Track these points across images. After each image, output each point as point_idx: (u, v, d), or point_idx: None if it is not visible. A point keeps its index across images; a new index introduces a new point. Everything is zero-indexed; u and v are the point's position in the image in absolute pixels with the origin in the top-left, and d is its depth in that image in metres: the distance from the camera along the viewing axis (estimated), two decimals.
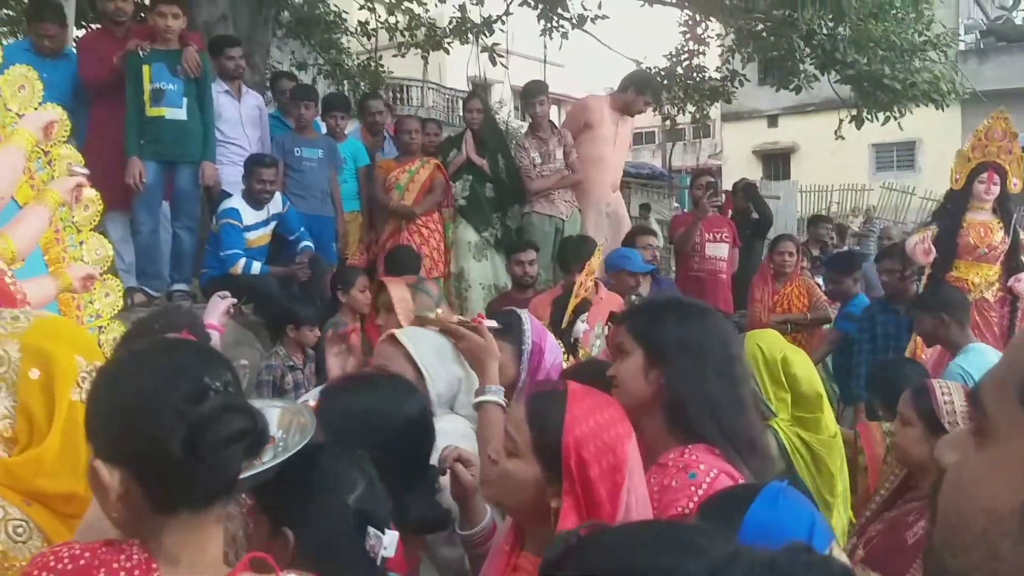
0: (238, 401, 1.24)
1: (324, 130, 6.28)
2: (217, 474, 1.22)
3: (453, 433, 2.09)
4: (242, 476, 1.39)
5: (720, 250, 6.61)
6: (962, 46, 20.95)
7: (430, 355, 2.28)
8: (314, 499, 1.53)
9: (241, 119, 5.80)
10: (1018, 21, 22.43)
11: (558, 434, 1.52)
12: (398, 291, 3.34)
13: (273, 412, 1.62)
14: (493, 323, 2.37)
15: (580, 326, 4.50)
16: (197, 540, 1.24)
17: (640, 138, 29.90)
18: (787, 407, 3.02)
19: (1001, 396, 0.67)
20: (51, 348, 1.66)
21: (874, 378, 4.04)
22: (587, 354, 4.58)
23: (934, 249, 4.86)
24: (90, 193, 3.44)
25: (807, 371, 3.06)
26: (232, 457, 1.22)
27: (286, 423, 1.61)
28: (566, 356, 4.30)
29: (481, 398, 2.20)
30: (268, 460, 1.48)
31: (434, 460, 1.93)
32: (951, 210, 5.04)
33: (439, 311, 2.51)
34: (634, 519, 1.51)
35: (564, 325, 4.44)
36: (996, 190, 4.88)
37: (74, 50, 5.59)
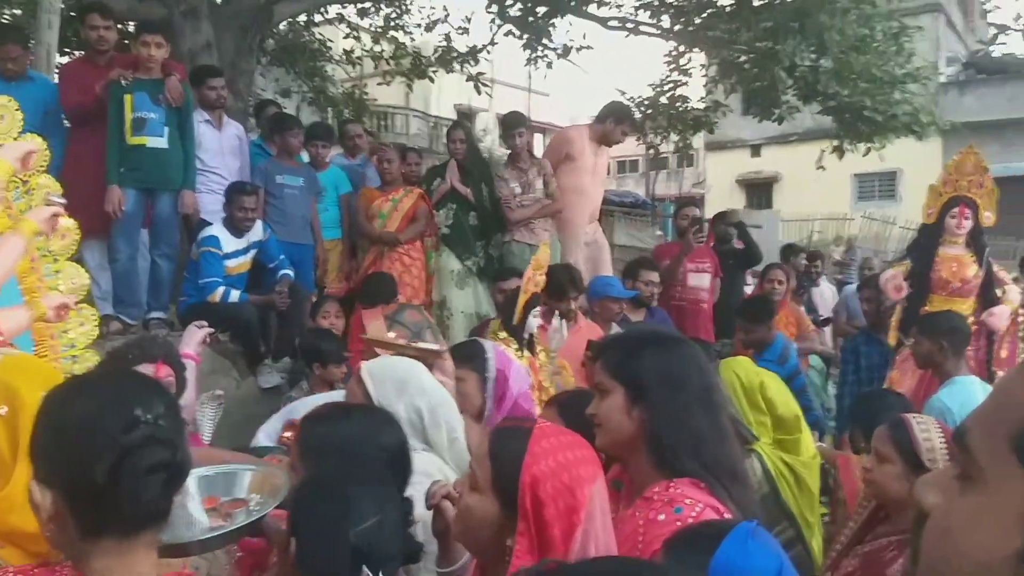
0: (163, 434, 1.28)
1: (306, 158, 6.28)
2: (136, 502, 1.25)
3: (427, 472, 2.06)
4: (213, 535, 1.50)
5: (702, 280, 6.63)
6: (943, 78, 21.28)
7: (389, 391, 2.22)
8: (319, 524, 1.56)
9: (222, 148, 5.79)
10: (996, 55, 22.80)
11: (517, 471, 1.50)
12: (373, 324, 3.33)
13: (246, 475, 1.71)
14: (433, 345, 2.40)
15: (533, 321, 4.51)
16: (124, 565, 1.28)
17: (624, 166, 30.11)
18: (768, 431, 3.05)
19: (991, 441, 0.64)
20: (17, 384, 1.68)
21: (856, 409, 4.00)
22: (546, 350, 4.58)
23: (905, 285, 4.87)
24: (67, 222, 3.40)
25: (783, 395, 3.10)
26: (148, 487, 1.25)
27: (258, 486, 1.67)
28: (521, 353, 4.32)
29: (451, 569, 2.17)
30: (240, 521, 1.54)
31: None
32: (923, 245, 5.07)
33: (391, 335, 2.51)
34: None
35: (516, 321, 4.46)
36: (968, 224, 4.89)
37: (38, 73, 5.56)
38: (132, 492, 1.23)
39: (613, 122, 6.52)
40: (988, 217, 4.97)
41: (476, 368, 2.62)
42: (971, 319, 4.85)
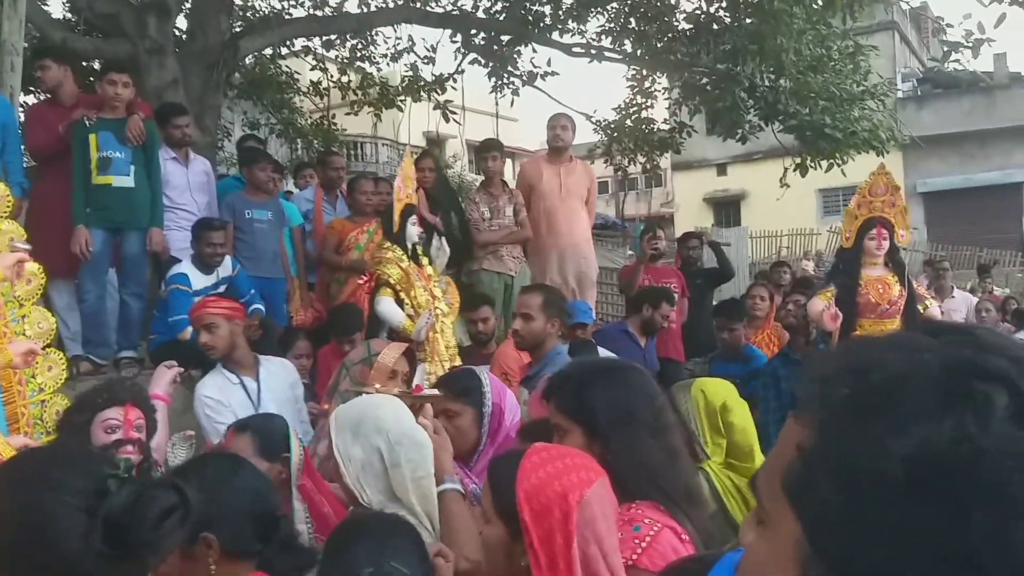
0: (150, 481, 1.24)
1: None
2: (151, 554, 1.15)
3: None
4: None
5: None
6: (900, 94, 21.67)
7: (346, 435, 2.15)
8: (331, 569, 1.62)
9: (189, 185, 5.77)
10: (949, 69, 23.29)
11: (513, 491, 1.56)
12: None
13: None
14: (434, 391, 2.36)
15: (412, 229, 4.62)
16: None
17: None
18: (722, 451, 3.07)
19: (770, 484, 0.69)
20: None
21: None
22: (432, 264, 4.80)
23: (840, 313, 4.76)
24: (32, 267, 3.40)
25: (744, 422, 3.12)
26: (167, 533, 1.16)
27: None
28: (408, 263, 4.41)
29: (439, 488, 2.17)
30: None
31: None
32: (845, 269, 5.04)
33: (376, 386, 2.47)
34: (599, 570, 1.52)
35: (396, 230, 4.52)
36: (887, 245, 4.90)
37: None
38: (151, 548, 1.13)
39: (548, 128, 6.65)
40: (902, 235, 4.99)
41: (473, 402, 2.56)
42: None
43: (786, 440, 0.69)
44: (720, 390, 3.16)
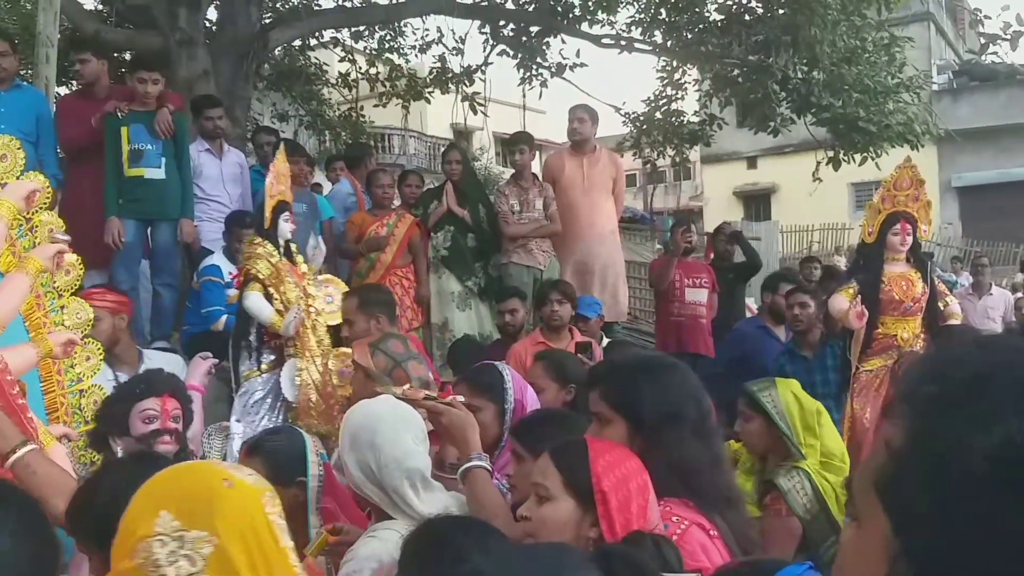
0: None
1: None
2: None
3: (378, 558, 1.94)
4: None
5: (700, 295, 6.64)
6: (935, 86, 21.33)
7: (345, 443, 2.14)
8: (427, 568, 1.63)
9: (222, 176, 5.82)
10: (986, 62, 22.87)
11: (586, 468, 1.69)
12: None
13: None
14: (460, 398, 2.34)
15: (284, 226, 4.62)
16: None
17: None
18: (816, 453, 3.06)
19: (863, 485, 0.72)
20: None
21: None
22: (307, 263, 4.78)
23: (867, 311, 4.62)
24: (71, 258, 3.44)
25: (833, 429, 3.17)
26: None
27: None
28: (280, 259, 4.43)
29: (467, 464, 2.17)
30: None
31: None
32: (866, 265, 4.90)
33: (406, 387, 2.41)
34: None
35: (267, 226, 4.54)
36: (910, 240, 4.78)
37: (25, 83, 5.58)
38: None
39: (568, 121, 6.61)
40: (924, 230, 4.87)
41: (495, 399, 2.57)
42: (922, 338, 4.71)
43: (880, 440, 0.71)
44: (805, 392, 3.15)
